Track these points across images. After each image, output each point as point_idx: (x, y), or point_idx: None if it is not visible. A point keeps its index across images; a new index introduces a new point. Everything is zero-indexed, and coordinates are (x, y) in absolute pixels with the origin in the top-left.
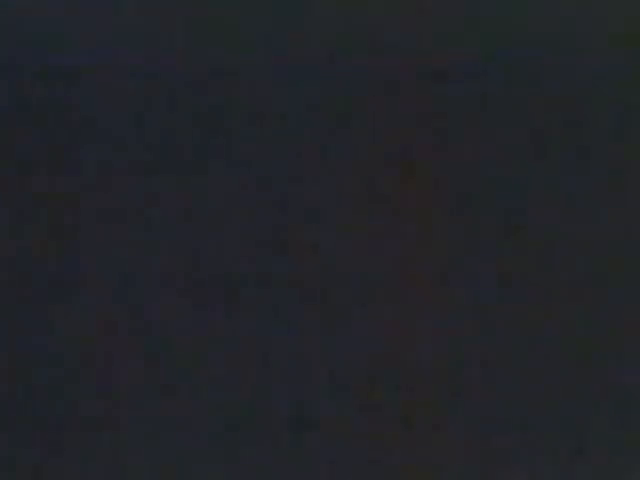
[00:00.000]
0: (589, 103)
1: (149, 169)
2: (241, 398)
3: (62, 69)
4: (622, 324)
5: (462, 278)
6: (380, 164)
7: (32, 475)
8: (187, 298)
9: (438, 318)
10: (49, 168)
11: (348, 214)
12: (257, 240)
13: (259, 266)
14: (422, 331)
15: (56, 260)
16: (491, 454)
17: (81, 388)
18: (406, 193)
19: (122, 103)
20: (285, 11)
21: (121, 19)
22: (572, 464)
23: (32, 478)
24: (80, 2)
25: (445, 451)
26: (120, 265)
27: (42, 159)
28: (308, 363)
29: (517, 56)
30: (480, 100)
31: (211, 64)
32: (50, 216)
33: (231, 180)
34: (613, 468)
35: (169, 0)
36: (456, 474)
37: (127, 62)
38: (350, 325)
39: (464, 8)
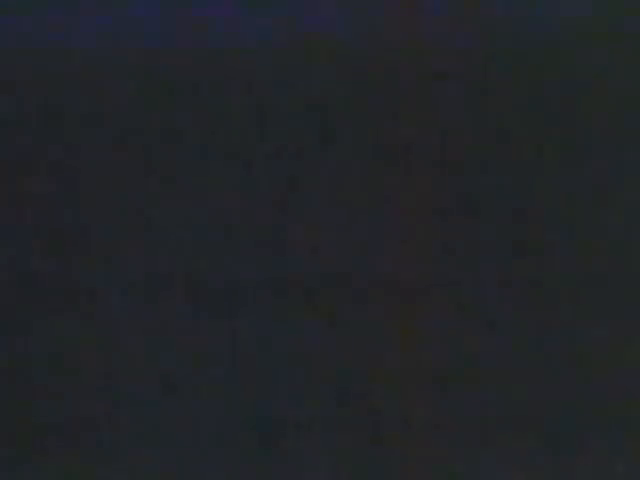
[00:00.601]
0: (589, 102)
1: (149, 169)
2: (241, 398)
3: (62, 70)
4: (622, 324)
5: (462, 278)
6: (380, 164)
7: (32, 475)
8: (187, 298)
9: (438, 318)
10: (49, 168)
11: (348, 214)
12: (257, 240)
13: (259, 266)
14: (422, 331)
15: (56, 261)
16: (491, 454)
17: (81, 388)
18: (406, 193)
19: (122, 103)
20: (285, 11)
21: (121, 19)
22: (572, 464)
23: (32, 478)
24: (79, 3)
25: (445, 451)
26: (119, 265)
27: (42, 159)
28: (308, 363)
29: (517, 56)
30: (480, 100)
31: (210, 63)
32: (50, 216)
33: (231, 180)
34: (613, 468)
35: (169, 0)
36: (455, 474)
37: (127, 62)
38: (350, 325)
39: (464, 8)
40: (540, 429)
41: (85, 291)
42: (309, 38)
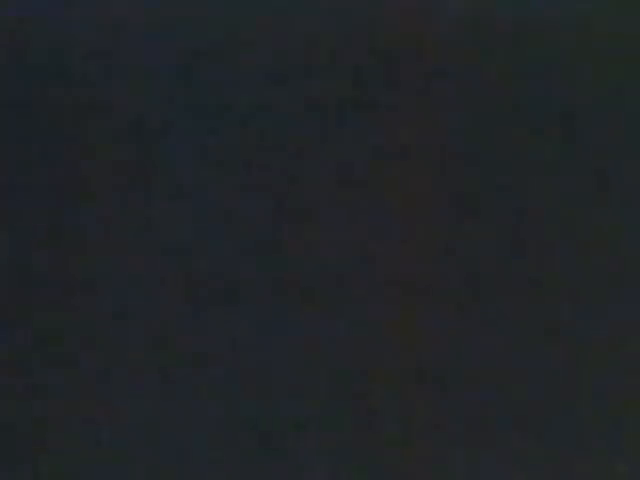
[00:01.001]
0: (590, 101)
1: (150, 169)
2: (241, 398)
3: (62, 70)
4: (622, 324)
5: (462, 278)
6: (380, 164)
7: (31, 475)
8: (186, 298)
9: (438, 318)
10: (48, 170)
11: (348, 214)
12: (257, 240)
13: (259, 266)
14: (422, 331)
15: (55, 261)
16: (491, 454)
17: (81, 388)
18: (406, 193)
19: (122, 102)
20: (286, 10)
21: (121, 20)
22: (572, 464)
23: (31, 478)
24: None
25: (445, 451)
26: (119, 265)
27: (41, 160)
28: (308, 363)
29: (517, 54)
30: (479, 99)
31: (210, 62)
32: (50, 217)
33: (230, 181)
34: (613, 468)
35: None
36: (455, 474)
37: (127, 61)
38: (350, 325)
39: (464, 8)
40: (540, 429)
41: (85, 292)
42: (309, 38)
